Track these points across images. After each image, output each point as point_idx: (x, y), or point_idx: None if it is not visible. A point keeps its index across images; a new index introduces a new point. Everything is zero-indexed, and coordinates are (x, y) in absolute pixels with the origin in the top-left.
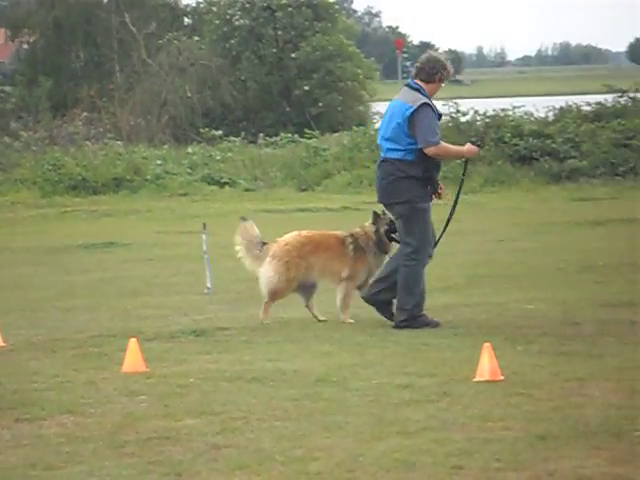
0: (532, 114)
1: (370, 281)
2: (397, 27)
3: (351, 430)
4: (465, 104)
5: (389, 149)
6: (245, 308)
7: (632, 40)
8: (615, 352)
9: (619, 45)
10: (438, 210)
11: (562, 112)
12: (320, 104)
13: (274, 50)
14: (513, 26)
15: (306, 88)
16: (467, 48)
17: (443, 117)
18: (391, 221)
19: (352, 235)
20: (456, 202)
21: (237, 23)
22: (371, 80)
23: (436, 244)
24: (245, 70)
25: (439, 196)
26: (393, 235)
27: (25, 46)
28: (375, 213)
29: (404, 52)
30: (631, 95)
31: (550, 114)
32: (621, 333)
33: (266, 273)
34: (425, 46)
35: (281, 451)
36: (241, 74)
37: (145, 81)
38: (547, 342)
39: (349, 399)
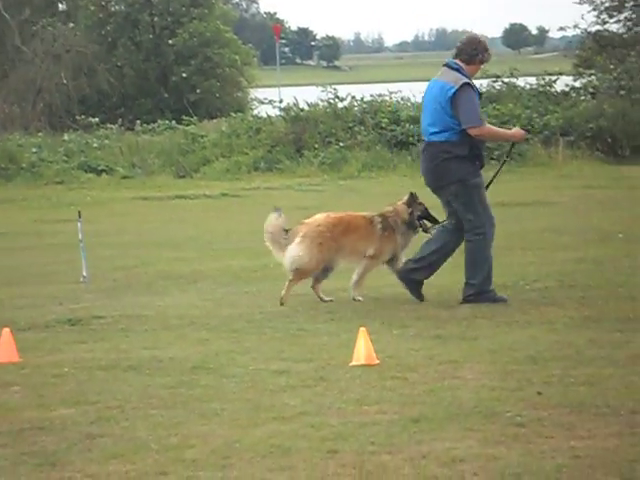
0: (409, 99)
1: (403, 259)
2: (275, 13)
3: (227, 417)
4: (343, 90)
5: (432, 132)
6: (121, 297)
7: (507, 26)
8: (488, 334)
9: (494, 31)
10: None
11: None
12: (198, 90)
13: (151, 36)
14: (390, 12)
15: (184, 75)
16: (345, 34)
17: (320, 103)
18: (426, 209)
19: (381, 214)
20: (491, 182)
21: (113, 9)
22: (249, 66)
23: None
24: (122, 57)
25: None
26: (425, 222)
27: None
28: (412, 194)
29: (282, 38)
30: (505, 80)
31: None
32: (494, 315)
33: (294, 252)
34: (303, 32)
35: (156, 439)
36: (117, 60)
37: (19, 68)
38: (422, 326)
39: (225, 386)
